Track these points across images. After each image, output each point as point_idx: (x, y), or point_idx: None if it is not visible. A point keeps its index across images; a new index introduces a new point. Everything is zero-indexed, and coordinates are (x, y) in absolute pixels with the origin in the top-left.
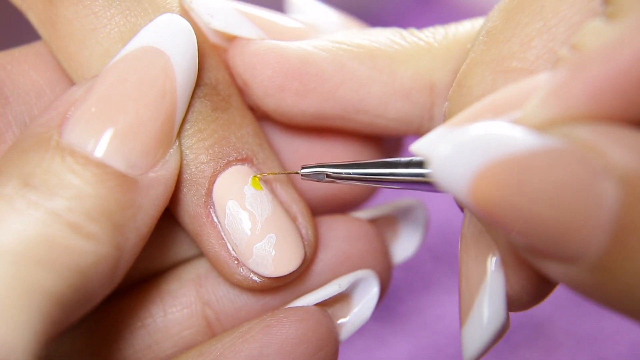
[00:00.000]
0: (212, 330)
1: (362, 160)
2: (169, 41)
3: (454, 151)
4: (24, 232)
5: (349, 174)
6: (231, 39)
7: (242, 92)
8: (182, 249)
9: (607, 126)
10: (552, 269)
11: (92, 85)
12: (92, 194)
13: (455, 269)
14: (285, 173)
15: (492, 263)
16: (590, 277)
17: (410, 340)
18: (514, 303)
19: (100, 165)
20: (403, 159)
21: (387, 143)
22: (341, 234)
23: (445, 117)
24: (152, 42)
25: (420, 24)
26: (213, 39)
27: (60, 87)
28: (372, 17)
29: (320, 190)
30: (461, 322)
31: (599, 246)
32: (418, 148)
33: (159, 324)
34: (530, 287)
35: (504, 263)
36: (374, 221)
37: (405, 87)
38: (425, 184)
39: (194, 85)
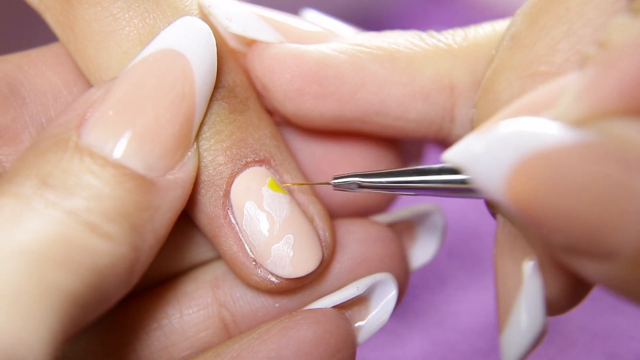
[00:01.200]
0: (229, 332)
1: (387, 167)
2: (188, 44)
3: (487, 148)
4: (41, 231)
5: (381, 182)
6: (250, 43)
7: (261, 96)
8: (199, 251)
9: None
10: (587, 268)
11: (110, 87)
12: (110, 195)
13: (470, 265)
14: (316, 184)
15: (529, 267)
16: (627, 274)
17: (425, 337)
18: (553, 307)
19: (118, 166)
20: (435, 166)
21: (405, 147)
22: (359, 237)
23: (473, 124)
24: (172, 45)
25: (432, 23)
26: (232, 43)
27: (77, 89)
28: (383, 16)
29: (338, 194)
30: (500, 328)
31: (635, 242)
32: (451, 155)
33: (175, 325)
34: (568, 291)
35: (542, 267)
36: (392, 225)
37: (425, 88)
38: (459, 190)
39: (212, 88)
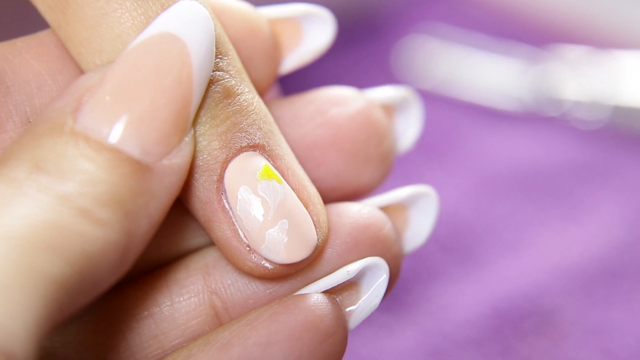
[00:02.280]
0: (220, 319)
1: None
2: (186, 28)
3: None
4: (31, 216)
5: None
6: None
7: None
8: (190, 238)
9: None
10: None
11: (107, 71)
12: (104, 180)
13: (463, 259)
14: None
15: None
16: None
17: (417, 329)
18: None
19: (114, 150)
20: None
21: None
22: (350, 221)
23: None
24: (169, 29)
25: (428, 19)
26: None
27: (62, 78)
28: (379, 11)
29: (329, 179)
30: None
31: None
32: None
33: (166, 313)
34: None
35: None
36: (384, 208)
37: None
38: None
39: (210, 73)
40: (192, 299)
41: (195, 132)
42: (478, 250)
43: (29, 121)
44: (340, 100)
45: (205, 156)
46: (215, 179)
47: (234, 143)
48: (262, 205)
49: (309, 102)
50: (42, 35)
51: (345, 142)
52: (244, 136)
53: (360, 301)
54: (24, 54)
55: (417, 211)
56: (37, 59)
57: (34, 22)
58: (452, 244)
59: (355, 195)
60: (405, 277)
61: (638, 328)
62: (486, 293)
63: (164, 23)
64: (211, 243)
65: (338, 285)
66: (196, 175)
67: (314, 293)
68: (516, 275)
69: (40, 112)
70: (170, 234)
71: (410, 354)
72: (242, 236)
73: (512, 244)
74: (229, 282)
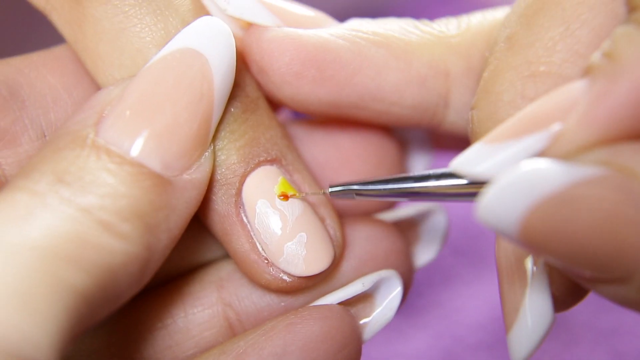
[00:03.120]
0: (234, 331)
1: (388, 171)
2: (208, 44)
3: (499, 194)
4: (54, 228)
5: (378, 190)
6: (247, 26)
7: (257, 80)
8: (204, 252)
9: None
10: (601, 289)
11: (129, 85)
12: (126, 193)
13: (474, 263)
14: (313, 194)
15: (535, 268)
16: None
17: (429, 332)
18: (558, 303)
19: (135, 164)
20: (431, 172)
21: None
22: (365, 235)
23: (473, 124)
24: (191, 44)
25: (435, 17)
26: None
27: (77, 92)
28: (384, 12)
29: None
30: (507, 326)
31: None
32: (459, 165)
33: (180, 325)
34: (573, 288)
35: (547, 265)
36: (396, 224)
37: (421, 74)
38: (457, 195)
39: (231, 88)
40: (206, 311)
41: (214, 147)
42: (490, 253)
43: (45, 135)
44: (352, 127)
45: (224, 170)
46: (234, 192)
47: (252, 157)
48: (280, 218)
49: (324, 123)
50: (57, 50)
51: (356, 164)
52: (262, 150)
53: (374, 313)
54: (40, 68)
55: (428, 227)
56: (53, 73)
57: (51, 37)
58: (463, 247)
59: (369, 210)
60: (417, 280)
61: None
62: (497, 296)
63: (186, 38)
64: (224, 257)
65: (353, 297)
66: (214, 189)
67: (330, 304)
68: None
69: (61, 125)
70: (185, 247)
71: (422, 357)
72: (260, 249)
73: None
74: (243, 295)
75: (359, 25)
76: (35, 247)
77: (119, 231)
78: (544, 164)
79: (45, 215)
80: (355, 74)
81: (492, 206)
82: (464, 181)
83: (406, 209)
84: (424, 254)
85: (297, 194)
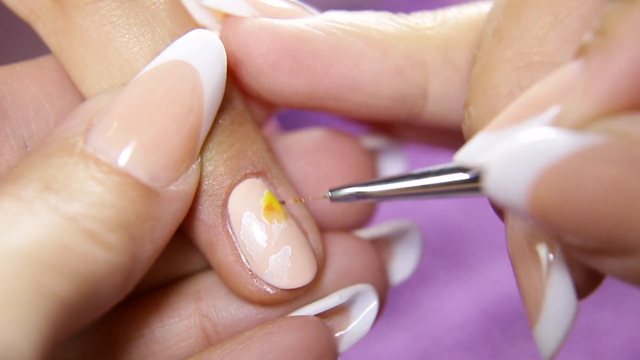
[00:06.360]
0: (210, 342)
1: (383, 176)
2: (199, 56)
3: (505, 163)
4: (39, 235)
5: (379, 190)
6: (223, 17)
7: (232, 73)
8: (184, 264)
9: None
10: (607, 264)
11: (118, 95)
12: (112, 203)
13: (453, 264)
14: (314, 198)
15: (554, 255)
16: None
17: (407, 333)
18: (580, 292)
19: (123, 174)
20: (432, 168)
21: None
22: (342, 249)
23: (470, 121)
24: (182, 56)
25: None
26: (203, 20)
27: (59, 102)
28: (363, 7)
29: (322, 211)
30: (532, 321)
31: None
32: (463, 158)
33: (157, 335)
34: (586, 278)
35: (566, 254)
36: (372, 241)
37: (398, 64)
38: (464, 190)
39: (220, 102)
40: (184, 321)
41: (202, 159)
42: (468, 254)
43: (26, 145)
44: (329, 144)
45: (210, 181)
46: (220, 203)
47: (239, 169)
48: (265, 231)
49: (302, 139)
50: (41, 61)
51: (333, 180)
52: (249, 163)
53: (350, 326)
54: (23, 78)
55: (402, 246)
56: (36, 83)
57: (35, 48)
58: (441, 248)
59: (344, 227)
60: None
61: (626, 330)
62: (476, 297)
63: (178, 50)
64: (203, 269)
65: (330, 309)
66: (201, 199)
67: (308, 315)
68: (505, 278)
69: (43, 135)
70: (165, 259)
71: (401, 358)
72: (245, 261)
73: (501, 248)
74: (221, 306)
75: (335, 16)
76: (20, 254)
77: (104, 241)
78: (549, 133)
79: (31, 222)
80: (332, 65)
81: (499, 179)
82: (466, 176)
83: (382, 227)
84: (398, 273)
85: (298, 200)
